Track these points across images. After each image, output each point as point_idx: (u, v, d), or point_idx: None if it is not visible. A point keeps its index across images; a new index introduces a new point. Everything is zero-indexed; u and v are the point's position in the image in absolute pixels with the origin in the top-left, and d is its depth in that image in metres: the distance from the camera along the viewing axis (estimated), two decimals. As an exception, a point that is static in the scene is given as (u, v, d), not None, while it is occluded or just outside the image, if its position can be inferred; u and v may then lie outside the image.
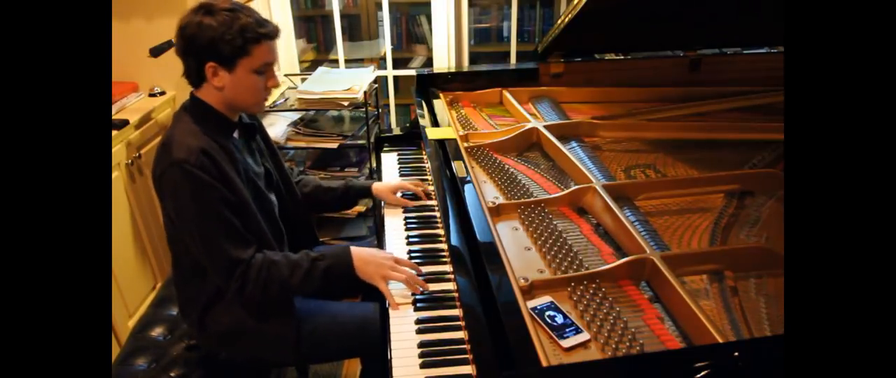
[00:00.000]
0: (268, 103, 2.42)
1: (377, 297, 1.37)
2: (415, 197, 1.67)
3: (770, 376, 0.89)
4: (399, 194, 1.68)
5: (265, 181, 1.46)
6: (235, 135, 1.38)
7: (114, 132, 2.05)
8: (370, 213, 2.63)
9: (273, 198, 1.47)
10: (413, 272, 1.32)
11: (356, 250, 1.36)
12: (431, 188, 1.69)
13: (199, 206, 1.23)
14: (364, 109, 2.47)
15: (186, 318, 1.47)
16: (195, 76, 1.29)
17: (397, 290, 1.30)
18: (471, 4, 2.99)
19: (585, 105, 2.02)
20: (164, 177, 1.24)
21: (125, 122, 2.12)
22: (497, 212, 1.37)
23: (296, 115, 2.60)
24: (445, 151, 1.63)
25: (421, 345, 1.16)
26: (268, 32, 1.27)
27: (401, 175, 1.82)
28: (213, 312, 1.40)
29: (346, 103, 2.39)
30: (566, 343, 0.99)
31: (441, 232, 1.51)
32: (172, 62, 1.30)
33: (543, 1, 3.10)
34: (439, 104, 1.96)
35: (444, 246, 1.45)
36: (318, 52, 3.32)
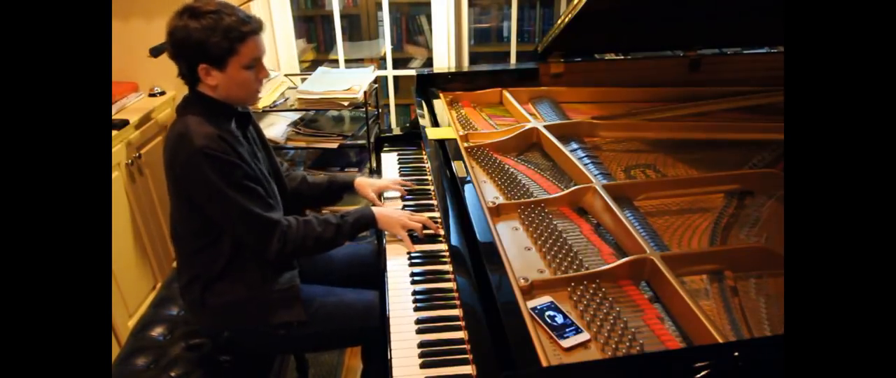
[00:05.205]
0: (268, 102, 2.43)
1: (379, 286, 1.45)
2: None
3: (770, 376, 0.89)
4: (387, 193, 1.70)
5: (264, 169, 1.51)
6: (233, 125, 1.42)
7: (114, 132, 2.05)
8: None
9: (274, 186, 1.51)
10: (421, 224, 1.49)
11: (376, 209, 1.53)
12: (431, 187, 1.69)
13: (227, 183, 1.31)
14: (364, 109, 2.47)
15: (188, 296, 1.49)
16: (189, 77, 1.35)
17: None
18: (471, 4, 2.99)
19: (585, 105, 2.02)
20: (188, 164, 1.30)
21: (125, 122, 2.12)
22: (497, 212, 1.37)
23: (296, 115, 2.60)
24: (445, 151, 1.63)
25: (421, 345, 1.16)
26: (252, 29, 1.32)
27: (401, 175, 1.81)
28: (218, 287, 1.44)
29: (346, 103, 2.39)
30: (566, 343, 0.99)
31: (441, 232, 1.51)
32: (172, 62, 1.34)
33: (543, 1, 3.10)
34: (439, 104, 1.96)
35: (444, 246, 1.45)
36: (318, 52, 3.32)
